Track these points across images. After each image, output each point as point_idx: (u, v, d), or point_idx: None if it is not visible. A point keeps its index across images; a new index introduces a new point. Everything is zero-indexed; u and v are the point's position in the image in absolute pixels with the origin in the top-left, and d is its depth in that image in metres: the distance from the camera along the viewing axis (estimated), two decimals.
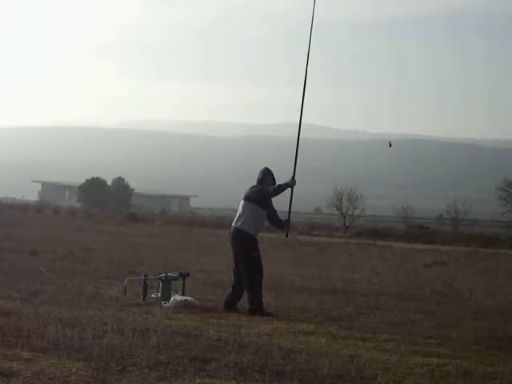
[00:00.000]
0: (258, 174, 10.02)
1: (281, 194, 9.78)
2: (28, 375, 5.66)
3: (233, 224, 9.95)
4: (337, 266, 19.35)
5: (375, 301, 11.92)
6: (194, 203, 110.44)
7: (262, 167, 10.12)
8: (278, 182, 9.97)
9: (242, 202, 9.87)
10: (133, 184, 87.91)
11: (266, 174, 9.95)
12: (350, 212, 55.80)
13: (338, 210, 56.24)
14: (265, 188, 9.80)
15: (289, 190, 9.83)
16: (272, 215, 10.00)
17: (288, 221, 10.12)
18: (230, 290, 10.02)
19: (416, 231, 48.94)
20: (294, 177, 9.75)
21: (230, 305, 9.88)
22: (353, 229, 50.19)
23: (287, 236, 10.52)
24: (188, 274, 10.93)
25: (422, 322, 9.83)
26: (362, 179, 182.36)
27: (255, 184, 9.93)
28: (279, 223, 10.11)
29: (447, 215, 57.47)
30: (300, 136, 10.22)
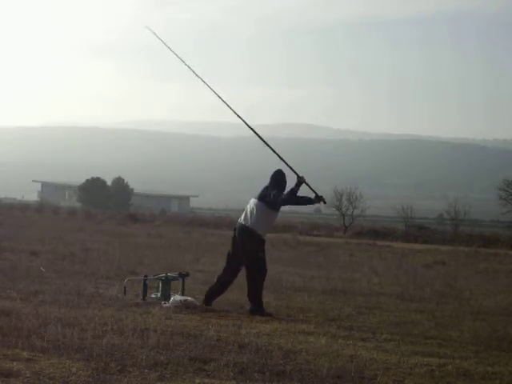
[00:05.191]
0: (276, 176, 9.72)
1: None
2: (28, 375, 5.66)
3: (241, 221, 9.75)
4: (337, 266, 19.34)
5: (375, 301, 11.92)
6: (194, 203, 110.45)
7: (278, 169, 9.80)
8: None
9: (255, 201, 9.66)
10: (133, 184, 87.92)
11: (283, 177, 9.75)
12: (349, 212, 55.77)
13: (337, 210, 56.22)
14: (280, 197, 9.56)
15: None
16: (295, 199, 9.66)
17: (317, 197, 9.68)
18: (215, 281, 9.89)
19: (416, 231, 48.91)
20: (298, 175, 9.60)
21: (209, 299, 9.76)
22: (353, 229, 50.18)
23: (325, 203, 10.10)
24: (188, 274, 10.92)
25: (422, 322, 9.83)
26: (362, 179, 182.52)
27: (270, 186, 9.67)
28: (308, 201, 9.73)
29: (447, 215, 57.36)
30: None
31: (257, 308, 9.58)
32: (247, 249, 9.66)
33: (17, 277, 11.66)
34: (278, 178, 9.76)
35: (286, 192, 9.62)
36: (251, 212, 9.67)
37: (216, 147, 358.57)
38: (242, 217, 9.80)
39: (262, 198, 9.65)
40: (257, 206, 9.65)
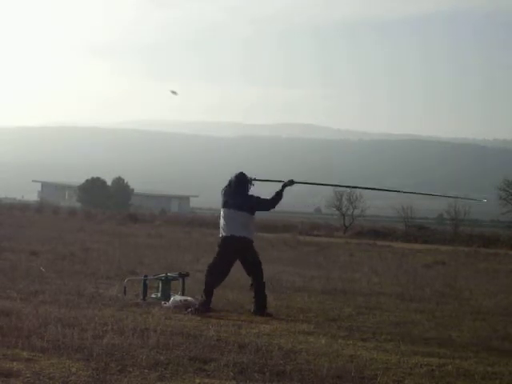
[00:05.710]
0: (241, 179, 9.87)
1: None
2: (28, 375, 5.66)
3: (234, 233, 9.63)
4: (337, 266, 19.33)
5: (375, 301, 11.92)
6: (194, 203, 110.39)
7: (241, 172, 9.98)
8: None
9: (236, 212, 9.62)
10: (133, 184, 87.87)
11: (247, 182, 9.90)
12: (349, 212, 55.78)
13: (337, 210, 56.24)
14: (264, 201, 9.83)
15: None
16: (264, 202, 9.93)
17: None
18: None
19: (416, 231, 48.89)
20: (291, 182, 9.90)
21: (206, 305, 9.68)
22: (353, 229, 50.17)
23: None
24: (188, 274, 10.93)
25: (422, 322, 9.83)
26: (362, 179, 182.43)
27: (237, 191, 9.76)
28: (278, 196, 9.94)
29: (447, 215, 57.32)
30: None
31: (258, 308, 9.58)
32: (243, 254, 9.73)
33: (17, 277, 11.66)
34: (243, 181, 9.88)
35: (273, 197, 9.85)
36: (240, 221, 9.63)
37: (216, 147, 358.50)
38: (231, 228, 9.63)
39: (243, 206, 9.65)
40: (241, 215, 9.64)
